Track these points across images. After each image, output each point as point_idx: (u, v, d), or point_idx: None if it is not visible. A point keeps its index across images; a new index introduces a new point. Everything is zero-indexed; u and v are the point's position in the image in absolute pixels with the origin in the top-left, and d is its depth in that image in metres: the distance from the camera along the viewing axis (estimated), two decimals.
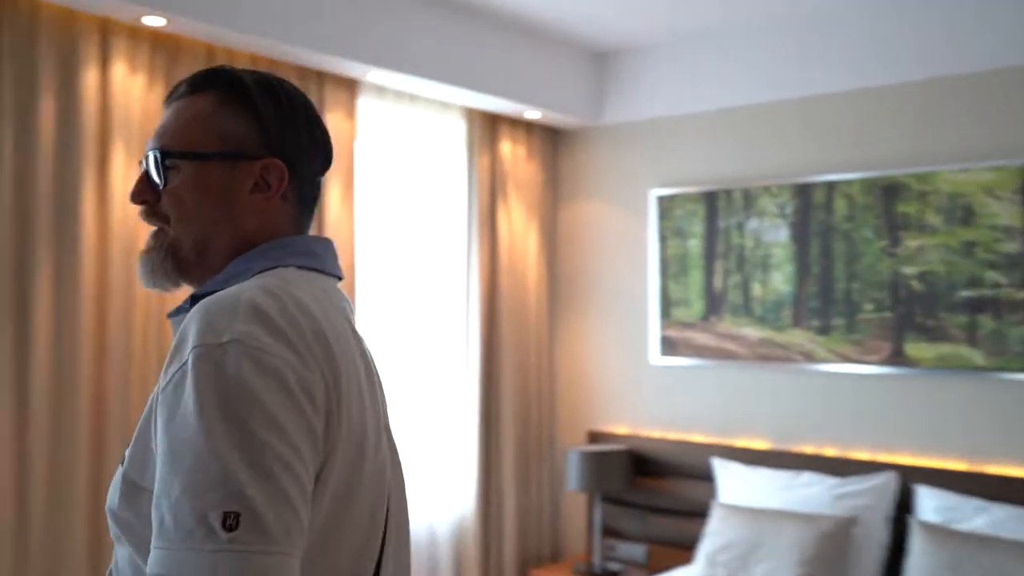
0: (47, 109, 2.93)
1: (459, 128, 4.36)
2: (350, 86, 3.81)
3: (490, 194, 4.50)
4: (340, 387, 0.91)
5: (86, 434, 2.97)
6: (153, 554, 0.79)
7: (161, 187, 1.03)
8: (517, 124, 4.65)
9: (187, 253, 1.03)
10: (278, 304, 0.89)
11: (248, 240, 1.03)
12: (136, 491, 0.91)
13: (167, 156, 1.02)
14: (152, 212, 1.04)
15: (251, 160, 1.03)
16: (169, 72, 3.25)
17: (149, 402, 0.94)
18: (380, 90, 3.97)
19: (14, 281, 2.85)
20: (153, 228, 1.06)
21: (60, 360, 2.93)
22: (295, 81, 3.62)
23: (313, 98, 3.69)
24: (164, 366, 0.92)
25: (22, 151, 2.88)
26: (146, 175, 1.04)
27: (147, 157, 1.04)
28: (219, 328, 0.85)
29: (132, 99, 3.13)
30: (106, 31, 3.09)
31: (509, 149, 4.60)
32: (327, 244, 1.08)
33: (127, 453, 0.95)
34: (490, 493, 4.48)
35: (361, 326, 3.81)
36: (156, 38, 3.22)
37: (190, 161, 1.01)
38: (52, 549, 2.89)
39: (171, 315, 1.04)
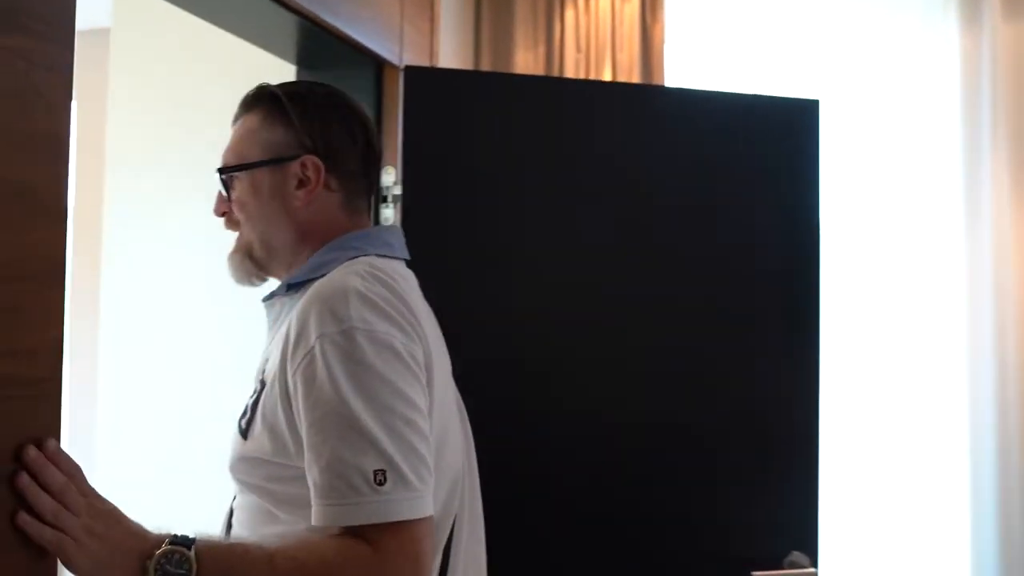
0: None
1: None
2: None
3: None
4: (430, 353, 1.11)
5: None
6: (323, 510, 0.99)
7: (228, 199, 1.24)
8: None
9: (258, 250, 1.23)
10: (376, 289, 1.08)
11: (306, 229, 1.21)
12: (259, 463, 1.11)
13: (224, 172, 1.24)
14: (230, 220, 1.26)
15: (290, 161, 1.21)
16: None
17: (272, 385, 1.10)
18: None
19: None
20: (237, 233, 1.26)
21: None
22: None
23: None
24: (288, 350, 1.06)
25: None
26: (226, 189, 1.25)
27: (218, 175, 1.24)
28: (338, 315, 1.04)
29: None
30: None
31: None
32: (398, 232, 1.28)
33: (244, 427, 1.13)
34: None
35: None
36: None
37: (244, 172, 1.22)
38: None
39: (265, 299, 1.26)
